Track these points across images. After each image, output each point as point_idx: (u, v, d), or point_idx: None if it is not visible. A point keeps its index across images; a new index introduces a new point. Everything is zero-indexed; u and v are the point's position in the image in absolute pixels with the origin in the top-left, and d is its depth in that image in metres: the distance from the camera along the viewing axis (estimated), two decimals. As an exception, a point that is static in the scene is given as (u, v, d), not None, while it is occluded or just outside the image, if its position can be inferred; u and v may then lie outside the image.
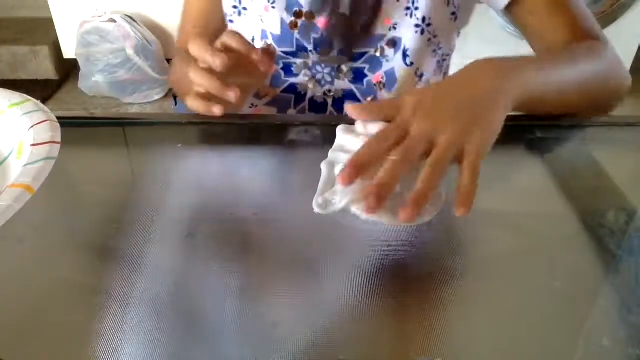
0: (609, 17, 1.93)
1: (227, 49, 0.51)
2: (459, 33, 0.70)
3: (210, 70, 0.50)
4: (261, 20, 0.64)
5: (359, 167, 0.39)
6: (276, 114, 0.72)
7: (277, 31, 0.64)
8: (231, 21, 0.69)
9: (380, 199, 0.37)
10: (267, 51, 0.52)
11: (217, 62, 0.49)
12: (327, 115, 0.70)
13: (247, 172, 0.53)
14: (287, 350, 0.34)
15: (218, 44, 0.52)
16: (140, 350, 0.34)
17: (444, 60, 0.70)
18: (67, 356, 0.34)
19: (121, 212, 0.47)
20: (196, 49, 0.50)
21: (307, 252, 0.42)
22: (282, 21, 0.63)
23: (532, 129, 0.56)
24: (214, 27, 0.71)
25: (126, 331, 0.35)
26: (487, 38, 1.74)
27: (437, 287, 0.39)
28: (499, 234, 0.45)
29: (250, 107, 0.71)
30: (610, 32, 1.97)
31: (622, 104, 0.62)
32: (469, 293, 0.40)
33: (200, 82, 0.51)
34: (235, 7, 0.67)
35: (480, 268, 0.42)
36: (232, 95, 0.50)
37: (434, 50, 0.66)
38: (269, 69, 0.52)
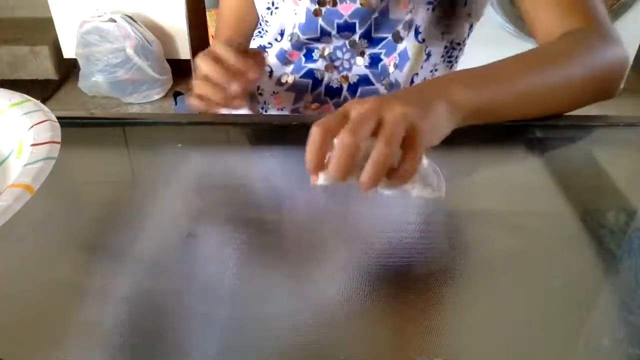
0: (609, 17, 1.93)
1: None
2: (471, 27, 0.70)
3: (216, 75, 0.56)
4: (295, 13, 0.67)
5: (315, 169, 0.39)
6: (275, 114, 0.73)
7: (303, 20, 0.66)
8: (266, 22, 0.72)
9: (343, 178, 0.37)
10: (257, 56, 0.57)
11: (233, 87, 0.55)
12: (325, 115, 0.70)
13: (247, 172, 0.53)
14: (287, 349, 0.34)
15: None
16: (140, 349, 0.34)
17: (453, 49, 0.70)
18: (66, 355, 0.34)
19: (121, 212, 0.47)
20: (205, 66, 0.56)
21: (307, 251, 0.42)
22: (308, 10, 0.66)
23: (532, 129, 0.56)
24: (246, 26, 0.75)
25: (127, 330, 0.35)
26: (485, 37, 1.74)
27: (437, 287, 0.39)
28: (499, 234, 0.45)
29: (272, 95, 0.73)
30: (610, 32, 1.96)
31: (620, 96, 0.59)
32: (469, 293, 0.40)
33: (206, 93, 0.56)
34: (268, 8, 0.70)
35: (480, 268, 0.42)
36: (237, 103, 0.57)
37: (442, 33, 0.68)
38: (256, 75, 0.57)
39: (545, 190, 0.50)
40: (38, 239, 0.44)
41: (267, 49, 0.73)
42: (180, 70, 2.20)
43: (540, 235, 0.45)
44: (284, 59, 0.71)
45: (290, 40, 0.68)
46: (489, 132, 0.52)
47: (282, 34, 0.70)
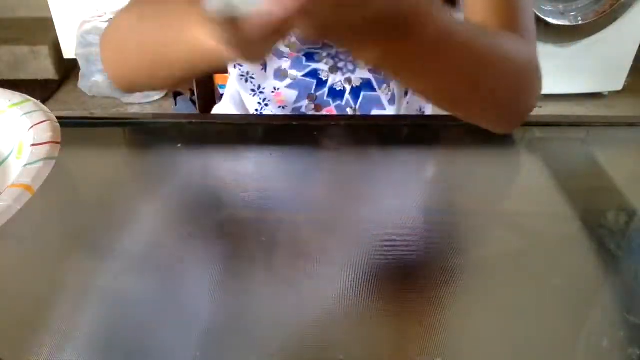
0: (609, 17, 1.93)
1: None
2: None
3: None
4: None
5: None
6: (275, 115, 0.72)
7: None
8: None
9: None
10: None
11: None
12: (326, 115, 0.70)
13: (247, 172, 0.53)
14: (287, 350, 0.34)
15: None
16: (141, 349, 0.34)
17: None
18: (66, 356, 0.34)
19: (121, 212, 0.47)
20: None
21: (307, 251, 0.42)
22: None
23: (532, 129, 0.56)
24: None
25: (127, 330, 0.35)
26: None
27: (437, 287, 0.39)
28: (499, 234, 0.45)
29: (272, 92, 0.72)
30: (610, 32, 1.97)
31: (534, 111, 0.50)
32: (469, 293, 0.40)
33: None
34: None
35: (480, 268, 0.42)
36: None
37: None
38: None
39: (545, 190, 0.50)
40: (38, 239, 0.44)
41: None
42: (180, 70, 2.20)
43: (540, 235, 0.45)
44: (281, 56, 0.69)
45: (287, 45, 0.66)
46: (489, 132, 0.52)
47: None
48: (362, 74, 0.70)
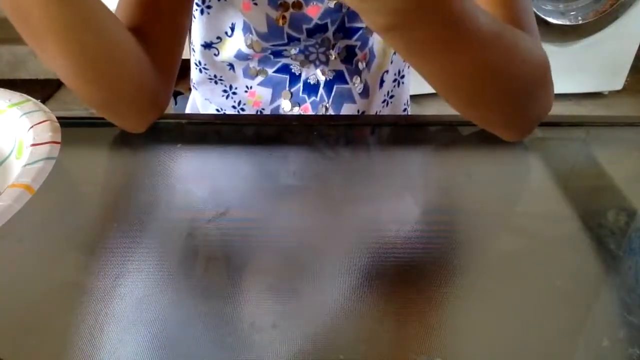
0: (609, 16, 1.93)
1: None
2: None
3: None
4: (242, 12, 0.61)
5: None
6: (275, 114, 0.72)
7: (264, 28, 0.61)
8: (209, 7, 0.64)
9: None
10: None
11: None
12: (325, 115, 0.70)
13: (246, 172, 0.53)
14: (287, 350, 0.34)
15: None
16: (139, 350, 0.34)
17: None
18: (66, 356, 0.34)
19: (121, 212, 0.47)
20: None
21: (307, 251, 0.42)
22: (268, 17, 0.60)
23: (532, 128, 0.56)
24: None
25: (126, 331, 0.35)
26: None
27: (437, 287, 0.39)
28: (499, 234, 0.45)
29: (246, 92, 0.71)
30: (610, 32, 1.97)
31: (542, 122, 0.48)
32: (469, 293, 0.40)
33: None
34: (198, 5, 0.63)
35: (480, 268, 0.42)
36: None
37: None
38: None
39: (545, 190, 0.50)
40: (38, 239, 0.44)
41: (213, 44, 0.66)
42: (180, 70, 2.20)
43: (540, 235, 0.45)
44: (244, 57, 0.66)
45: (249, 46, 0.63)
46: (489, 132, 0.52)
47: (232, 28, 0.64)
48: (335, 65, 0.67)
